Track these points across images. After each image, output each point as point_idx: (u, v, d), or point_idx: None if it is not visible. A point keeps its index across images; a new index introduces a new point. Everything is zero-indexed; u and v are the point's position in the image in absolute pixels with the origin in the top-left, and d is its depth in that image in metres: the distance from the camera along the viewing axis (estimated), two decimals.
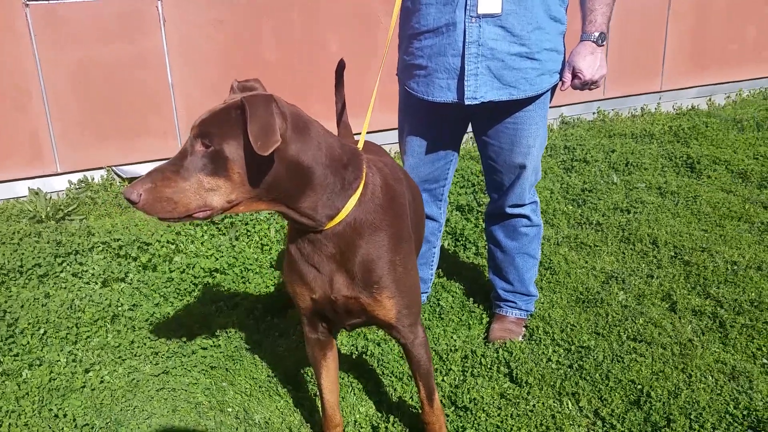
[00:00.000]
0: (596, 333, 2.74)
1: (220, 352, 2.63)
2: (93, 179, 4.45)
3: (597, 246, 3.54)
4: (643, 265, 3.30)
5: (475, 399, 2.32)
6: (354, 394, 2.40)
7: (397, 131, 2.70)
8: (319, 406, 2.15)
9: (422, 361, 1.94)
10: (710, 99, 6.67)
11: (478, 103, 2.29)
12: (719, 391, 2.33)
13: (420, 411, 2.09)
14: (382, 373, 2.51)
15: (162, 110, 4.56)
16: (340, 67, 2.39)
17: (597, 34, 2.29)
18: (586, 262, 3.36)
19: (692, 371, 2.44)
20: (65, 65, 4.23)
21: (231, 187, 1.52)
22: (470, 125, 2.58)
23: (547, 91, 2.40)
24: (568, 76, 2.35)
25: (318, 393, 2.07)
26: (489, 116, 2.43)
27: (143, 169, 4.60)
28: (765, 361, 2.50)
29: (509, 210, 2.63)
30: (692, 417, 2.20)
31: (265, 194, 1.57)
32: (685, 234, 3.60)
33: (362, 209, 1.70)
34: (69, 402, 2.33)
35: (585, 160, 4.81)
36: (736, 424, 2.16)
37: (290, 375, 2.54)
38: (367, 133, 2.20)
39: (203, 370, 2.54)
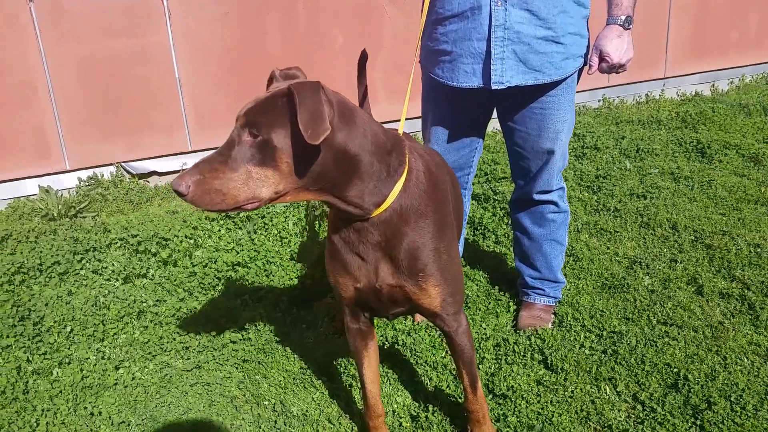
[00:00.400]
0: (625, 318, 2.73)
1: (251, 346, 2.61)
2: (102, 176, 4.40)
3: (617, 232, 3.53)
4: (665, 250, 3.30)
5: (513, 387, 2.31)
6: (390, 384, 2.38)
7: (419, 120, 2.68)
8: (358, 396, 2.14)
9: (465, 349, 1.92)
10: (713, 85, 6.68)
11: (504, 87, 2.27)
12: (756, 373, 2.33)
13: (463, 399, 2.07)
14: (416, 362, 2.49)
15: (169, 105, 4.51)
16: (363, 58, 2.36)
17: (624, 17, 2.28)
18: (608, 248, 3.35)
19: (726, 353, 2.44)
20: (71, 60, 4.17)
21: (279, 177, 1.49)
22: (495, 111, 2.56)
23: (573, 74, 2.38)
24: (595, 59, 2.33)
25: (360, 383, 2.05)
26: (515, 101, 2.41)
27: (152, 166, 4.56)
28: None
29: (537, 196, 2.61)
30: (732, 399, 2.20)
31: (312, 184, 1.55)
32: (703, 218, 3.60)
33: (407, 195, 1.68)
34: (103, 399, 2.30)
35: (596, 146, 4.80)
36: None
37: (323, 367, 2.52)
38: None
39: (236, 363, 2.52)
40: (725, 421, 2.10)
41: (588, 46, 2.37)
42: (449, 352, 2.02)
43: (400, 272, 1.73)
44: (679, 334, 2.58)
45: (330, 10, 4.80)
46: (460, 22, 2.26)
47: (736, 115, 5.46)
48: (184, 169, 4.64)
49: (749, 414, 2.13)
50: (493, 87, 2.25)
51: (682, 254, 3.22)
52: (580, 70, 2.43)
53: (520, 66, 2.23)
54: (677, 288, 2.92)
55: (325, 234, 3.56)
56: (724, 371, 2.34)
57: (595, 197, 4.02)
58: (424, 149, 1.90)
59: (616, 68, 2.31)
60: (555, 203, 2.63)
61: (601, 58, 2.30)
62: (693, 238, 3.39)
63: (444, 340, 2.01)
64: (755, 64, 6.91)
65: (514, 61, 2.22)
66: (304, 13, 4.73)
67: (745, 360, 2.41)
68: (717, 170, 4.34)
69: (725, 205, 3.78)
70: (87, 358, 2.52)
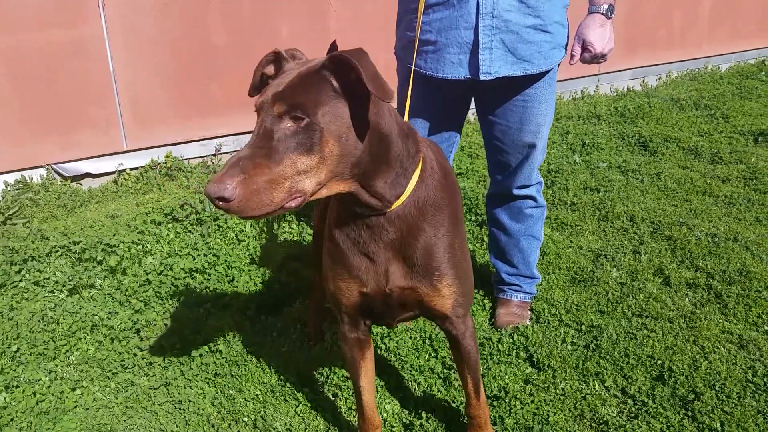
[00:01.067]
0: (600, 311, 2.73)
1: (222, 358, 2.43)
2: (32, 179, 4.05)
3: (578, 225, 3.55)
4: (626, 242, 3.34)
5: (504, 387, 2.25)
6: (377, 391, 2.27)
7: None
8: (345, 406, 2.02)
9: (471, 353, 1.83)
10: (644, 80, 6.91)
11: (492, 78, 2.20)
12: (734, 361, 2.37)
13: (465, 405, 1.98)
14: (402, 367, 2.39)
15: (104, 101, 4.20)
16: (333, 48, 2.23)
17: (606, 6, 2.25)
18: (572, 242, 3.36)
19: (703, 343, 2.47)
20: None
21: (322, 164, 1.33)
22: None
23: (557, 65, 2.34)
24: (577, 49, 2.30)
25: (355, 395, 1.92)
26: (497, 93, 2.34)
27: (86, 167, 4.23)
28: (767, 328, 2.56)
29: (516, 191, 2.56)
30: (717, 388, 2.22)
31: (349, 170, 1.40)
32: (658, 210, 3.67)
33: (424, 187, 1.57)
34: (63, 425, 2.08)
35: None
36: (760, 392, 2.20)
37: (303, 376, 2.38)
38: None
39: (207, 378, 2.34)
40: (715, 410, 2.12)
41: (568, 36, 2.33)
42: (452, 357, 1.93)
43: (413, 272, 1.61)
44: (656, 325, 2.59)
45: (275, 1, 4.61)
46: (445, 11, 2.16)
47: (670, 109, 5.66)
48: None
49: (735, 402, 2.16)
50: (482, 78, 2.17)
51: (643, 246, 3.27)
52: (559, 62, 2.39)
53: (508, 56, 2.16)
54: (645, 279, 2.95)
55: (287, 235, 3.40)
56: (705, 361, 2.37)
57: (551, 191, 4.04)
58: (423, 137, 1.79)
59: (597, 58, 2.28)
60: (533, 198, 2.59)
61: (584, 48, 2.27)
62: (651, 229, 3.45)
63: (449, 344, 1.89)
64: (680, 61, 7.20)
65: (503, 51, 2.15)
66: (248, 4, 4.52)
67: (722, 349, 2.44)
68: (662, 163, 4.46)
69: (676, 196, 3.88)
70: (38, 380, 2.27)
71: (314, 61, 1.41)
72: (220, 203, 1.24)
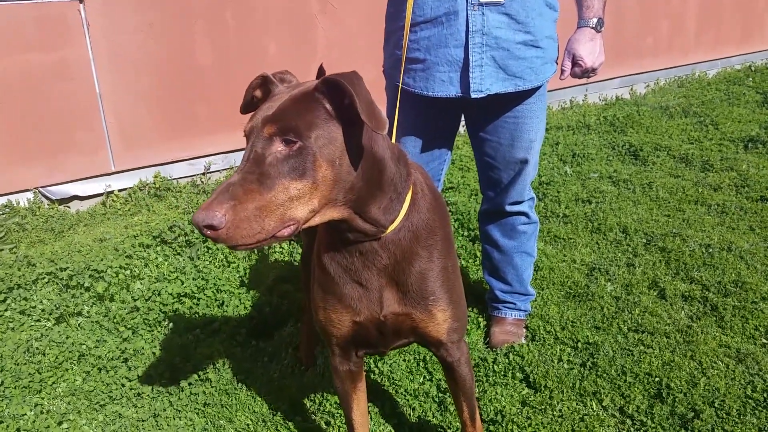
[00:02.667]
0: (596, 327, 2.70)
1: (212, 387, 2.38)
2: (18, 203, 3.99)
3: (570, 238, 3.52)
4: (620, 254, 3.31)
5: (500, 410, 2.21)
6: (371, 418, 2.22)
7: None
8: None
9: (467, 379, 1.79)
10: (632, 88, 6.93)
11: (484, 96, 2.17)
12: (732, 376, 2.34)
13: (461, 431, 1.94)
14: (396, 392, 2.35)
15: (90, 123, 4.16)
16: (321, 72, 2.20)
17: (595, 20, 2.23)
18: (565, 256, 3.33)
19: (701, 358, 2.44)
20: None
21: (315, 190, 1.28)
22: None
23: (547, 81, 2.32)
24: (567, 64, 2.28)
25: (348, 428, 1.87)
26: (488, 111, 2.32)
27: (73, 189, 4.18)
28: (764, 341, 2.54)
29: (509, 208, 2.53)
30: (716, 405, 2.19)
31: (342, 197, 1.35)
32: (651, 221, 3.65)
33: (417, 210, 1.53)
34: None
35: None
36: (760, 408, 2.16)
37: (294, 404, 2.33)
38: None
39: (196, 409, 2.28)
40: (715, 429, 2.09)
41: (558, 50, 2.31)
42: (447, 384, 1.88)
43: (407, 298, 1.57)
44: (652, 341, 2.56)
45: (260, 19, 4.59)
46: (433, 28, 2.14)
47: (660, 117, 5.67)
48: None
49: (735, 420, 2.12)
50: (473, 96, 2.14)
51: (637, 258, 3.24)
52: None
53: (499, 73, 2.14)
54: (640, 293, 2.93)
55: (278, 256, 3.36)
56: (703, 377, 2.33)
57: (542, 204, 4.01)
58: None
59: (588, 72, 2.26)
60: (526, 214, 2.56)
61: (574, 62, 2.24)
62: (645, 241, 3.43)
63: (443, 371, 1.84)
64: (668, 68, 7.23)
65: (494, 68, 2.13)
66: (233, 23, 4.50)
67: (720, 363, 2.41)
68: (653, 172, 4.44)
69: (668, 206, 3.86)
70: (23, 415, 2.21)
71: (306, 84, 1.37)
72: (209, 232, 1.19)
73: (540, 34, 2.17)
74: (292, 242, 3.48)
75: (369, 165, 1.38)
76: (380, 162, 1.41)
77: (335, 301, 1.59)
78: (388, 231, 1.48)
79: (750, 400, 2.20)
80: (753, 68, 7.74)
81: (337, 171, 1.31)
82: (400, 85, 2.24)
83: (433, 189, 1.66)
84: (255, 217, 1.21)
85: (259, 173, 1.24)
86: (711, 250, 3.22)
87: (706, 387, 2.27)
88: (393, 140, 2.46)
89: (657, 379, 2.34)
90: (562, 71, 2.29)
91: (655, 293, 2.93)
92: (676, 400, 2.22)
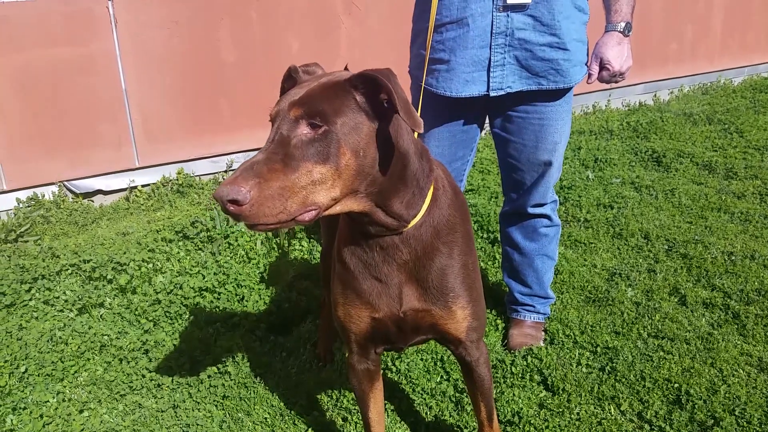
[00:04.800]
0: (615, 332, 2.68)
1: (231, 380, 2.40)
2: (44, 196, 4.05)
3: (591, 243, 3.50)
4: (641, 260, 3.29)
5: (518, 412, 2.21)
6: (387, 415, 2.23)
7: None
8: (354, 431, 1.98)
9: (485, 380, 1.78)
10: (656, 95, 6.87)
11: (503, 93, 2.17)
12: (754, 385, 2.31)
13: (477, 431, 1.94)
14: (413, 390, 2.35)
15: (115, 118, 4.22)
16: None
17: (623, 24, 2.23)
18: (585, 260, 3.31)
19: (722, 366, 2.41)
20: (8, 71, 3.83)
21: (338, 177, 1.29)
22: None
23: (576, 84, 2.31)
24: (595, 68, 2.27)
25: (364, 426, 1.88)
26: (512, 112, 2.32)
27: (97, 184, 4.24)
28: None
29: (531, 210, 2.53)
30: (737, 413, 2.16)
31: (364, 188, 1.36)
32: (673, 227, 3.62)
33: (438, 205, 1.54)
34: None
35: None
36: None
37: (311, 398, 2.34)
38: None
39: (215, 401, 2.30)
40: None
41: (587, 54, 2.31)
42: (465, 383, 1.88)
43: (427, 294, 1.57)
44: (672, 347, 2.54)
45: (284, 17, 4.63)
46: (459, 29, 2.14)
47: (683, 124, 5.61)
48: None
49: (756, 428, 2.10)
50: (492, 94, 2.15)
51: (659, 264, 3.21)
52: None
53: (522, 72, 2.14)
54: (661, 299, 2.90)
55: (297, 253, 3.38)
56: (723, 384, 2.31)
57: (563, 208, 3.99)
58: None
59: (616, 76, 2.25)
60: (548, 216, 2.56)
61: (602, 66, 2.24)
62: (666, 247, 3.40)
63: (461, 371, 1.84)
64: (692, 75, 7.15)
65: (516, 67, 2.14)
66: (257, 20, 4.53)
67: (741, 372, 2.39)
68: (676, 179, 4.40)
69: (691, 213, 3.82)
70: (46, 402, 2.25)
71: (337, 74, 1.38)
72: (232, 207, 1.18)
73: (567, 37, 2.17)
74: (311, 239, 3.50)
75: (394, 159, 1.39)
76: (404, 156, 1.42)
77: (354, 296, 1.60)
78: (410, 225, 1.49)
79: None
80: None
81: (361, 162, 1.31)
82: (423, 85, 2.25)
83: (454, 186, 1.66)
84: (279, 196, 1.21)
85: (283, 154, 1.24)
86: (733, 258, 3.19)
87: (727, 395, 2.25)
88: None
89: (676, 385, 2.31)
90: (590, 75, 2.29)
91: (675, 300, 2.90)
92: (696, 406, 2.20)
